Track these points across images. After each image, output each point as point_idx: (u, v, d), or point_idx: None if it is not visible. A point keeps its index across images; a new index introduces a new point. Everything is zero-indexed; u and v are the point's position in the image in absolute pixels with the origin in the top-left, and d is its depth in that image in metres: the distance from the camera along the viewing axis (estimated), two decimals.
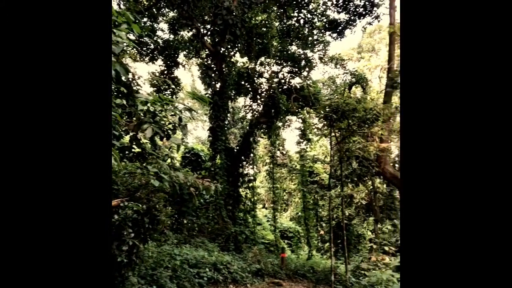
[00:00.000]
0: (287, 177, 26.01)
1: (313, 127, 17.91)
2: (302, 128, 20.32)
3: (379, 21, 19.22)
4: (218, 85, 16.94)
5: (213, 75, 16.73)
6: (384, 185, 23.59)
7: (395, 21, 18.75)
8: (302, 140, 20.51)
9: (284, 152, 24.66)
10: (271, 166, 20.61)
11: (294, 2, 17.66)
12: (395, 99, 23.16)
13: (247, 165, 19.13)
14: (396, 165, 27.98)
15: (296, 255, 19.87)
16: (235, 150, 18.62)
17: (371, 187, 21.54)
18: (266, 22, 18.08)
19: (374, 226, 21.06)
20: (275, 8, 18.23)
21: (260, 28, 18.11)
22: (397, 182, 18.29)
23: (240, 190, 18.36)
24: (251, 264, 12.79)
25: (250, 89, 19.72)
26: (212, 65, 17.09)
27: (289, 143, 63.77)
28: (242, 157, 18.64)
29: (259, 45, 18.42)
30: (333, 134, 12.85)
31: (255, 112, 20.36)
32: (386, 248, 15.44)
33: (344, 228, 13.20)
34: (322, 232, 22.79)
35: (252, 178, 19.00)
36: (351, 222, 21.74)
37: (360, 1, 17.80)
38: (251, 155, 19.10)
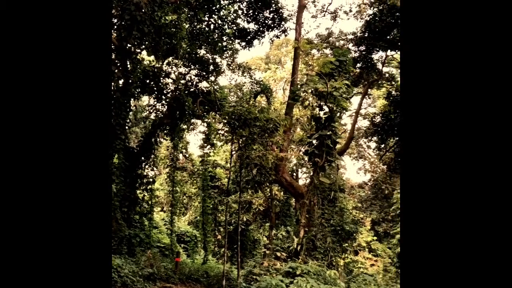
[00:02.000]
0: (188, 181, 25.80)
1: (217, 132, 18.05)
2: (207, 132, 20.34)
3: (286, 35, 20.08)
4: (121, 82, 16.29)
5: (116, 70, 16.05)
6: (281, 193, 24.52)
7: (301, 37, 19.73)
8: (205, 144, 20.51)
9: (187, 155, 24.45)
10: (172, 168, 20.30)
11: (206, 7, 17.69)
12: (296, 111, 24.28)
13: (147, 166, 18.59)
14: (294, 174, 29.29)
15: (191, 260, 19.76)
16: (135, 150, 18.02)
17: (269, 194, 22.27)
18: (176, 23, 17.83)
19: (269, 232, 21.78)
20: (186, 10, 18.09)
21: (169, 28, 17.81)
22: (293, 190, 19.16)
23: (138, 192, 17.77)
24: (143, 268, 12.45)
25: (155, 88, 19.25)
26: (116, 61, 16.39)
27: (192, 146, 63.35)
28: (142, 158, 18.09)
29: (168, 45, 18.10)
30: (235, 140, 13.08)
31: (159, 112, 19.92)
32: (279, 254, 16.06)
33: (241, 233, 13.47)
34: (219, 236, 22.97)
35: (151, 180, 18.51)
36: (248, 227, 22.23)
37: (269, 14, 18.41)
38: (152, 156, 18.62)
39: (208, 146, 20.61)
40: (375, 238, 32.81)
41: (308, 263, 13.57)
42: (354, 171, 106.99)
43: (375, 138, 24.50)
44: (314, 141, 16.77)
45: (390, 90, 22.86)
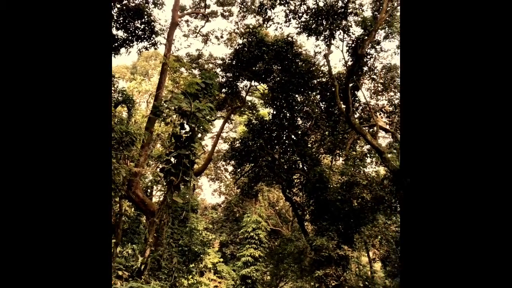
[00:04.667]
0: None
1: None
2: None
3: (156, 48, 19.73)
4: None
5: None
6: (132, 209, 23.53)
7: (170, 53, 19.63)
8: None
9: None
10: None
11: None
12: (158, 127, 23.83)
13: None
14: (148, 191, 28.45)
15: None
16: None
17: (118, 209, 21.14)
18: None
19: (114, 249, 20.55)
20: None
21: None
22: (145, 207, 18.55)
23: None
24: None
25: None
26: None
27: None
28: None
29: None
30: None
31: None
32: (120, 273, 15.24)
33: None
34: None
35: None
36: None
37: (141, 25, 17.97)
38: None
39: None
40: (221, 259, 33.47)
41: (151, 284, 13.15)
42: (210, 192, 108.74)
43: (232, 162, 25.30)
44: (172, 159, 16.58)
45: (251, 118, 24.00)
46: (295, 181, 23.02)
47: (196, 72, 24.82)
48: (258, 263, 31.56)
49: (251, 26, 21.89)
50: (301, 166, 22.59)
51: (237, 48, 21.81)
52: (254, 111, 27.17)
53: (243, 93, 24.96)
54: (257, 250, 31.81)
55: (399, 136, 15.94)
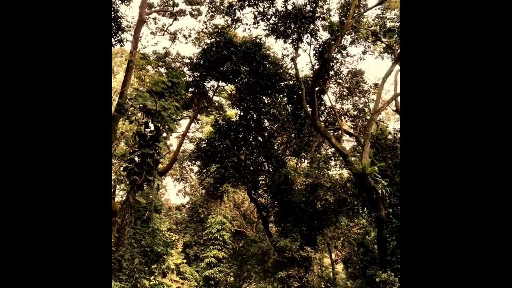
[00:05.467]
0: None
1: None
2: None
3: (122, 45, 19.32)
4: None
5: None
6: None
7: (136, 51, 19.27)
8: None
9: None
10: None
11: None
12: (122, 125, 23.35)
13: None
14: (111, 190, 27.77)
15: None
16: None
17: None
18: None
19: None
20: None
21: None
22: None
23: None
24: None
25: None
26: None
27: None
28: None
29: None
30: None
31: None
32: None
33: None
34: None
35: None
36: None
37: None
38: None
39: None
40: (185, 260, 33.13)
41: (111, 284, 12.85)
42: (174, 192, 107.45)
43: (198, 163, 25.11)
44: (136, 158, 16.26)
45: (218, 118, 23.90)
46: (261, 182, 23.09)
47: (162, 70, 24.49)
48: (222, 264, 31.45)
49: (219, 26, 21.81)
50: (267, 167, 22.68)
51: (205, 47, 21.66)
52: (221, 112, 27.07)
53: (210, 93, 24.83)
54: (221, 251, 31.69)
55: (400, 133, 16.29)
